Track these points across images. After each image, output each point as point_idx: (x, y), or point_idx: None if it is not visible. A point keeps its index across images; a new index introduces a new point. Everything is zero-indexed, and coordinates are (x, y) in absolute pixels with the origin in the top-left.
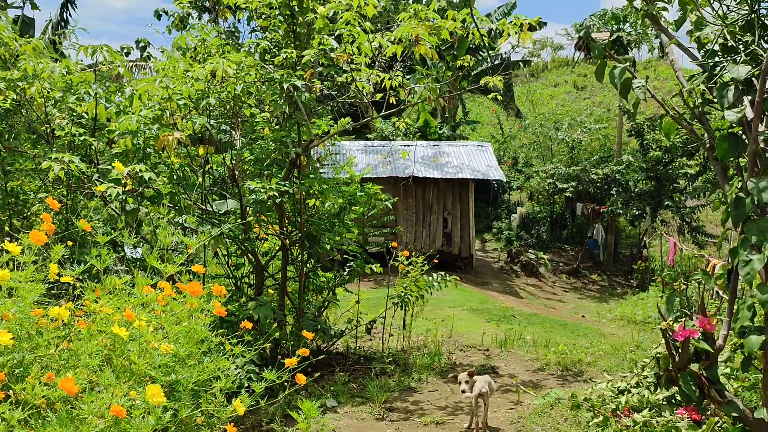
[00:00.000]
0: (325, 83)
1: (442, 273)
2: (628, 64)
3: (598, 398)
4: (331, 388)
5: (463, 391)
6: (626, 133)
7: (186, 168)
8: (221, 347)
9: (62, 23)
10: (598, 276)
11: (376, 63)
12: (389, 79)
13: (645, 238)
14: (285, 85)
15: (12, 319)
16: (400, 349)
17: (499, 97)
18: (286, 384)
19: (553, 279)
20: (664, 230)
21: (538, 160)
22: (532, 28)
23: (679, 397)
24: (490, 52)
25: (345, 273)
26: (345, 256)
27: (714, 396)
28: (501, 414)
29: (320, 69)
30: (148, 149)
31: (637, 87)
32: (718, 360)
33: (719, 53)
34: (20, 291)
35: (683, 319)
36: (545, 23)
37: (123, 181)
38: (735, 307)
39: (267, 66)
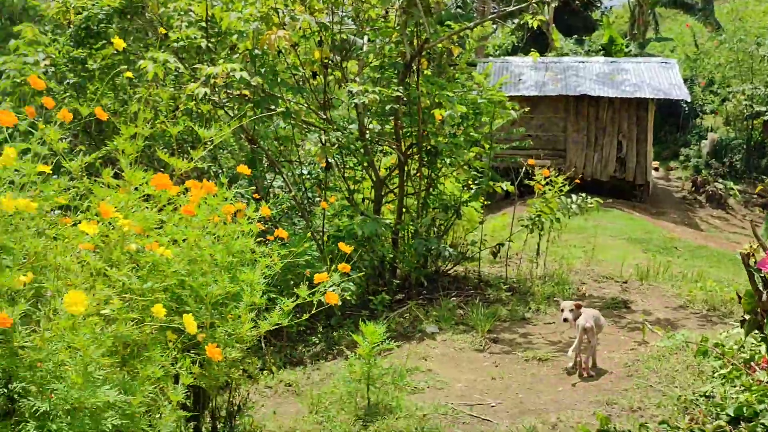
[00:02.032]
0: None
1: (609, 200)
2: None
3: (734, 344)
4: (434, 313)
5: (565, 320)
6: None
7: (297, 70)
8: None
9: None
10: None
11: None
12: None
13: None
14: None
15: None
16: (527, 277)
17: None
18: (388, 305)
19: (744, 212)
20: None
21: (736, 81)
22: None
23: None
24: None
25: (471, 191)
26: (475, 174)
27: None
28: (618, 354)
29: None
30: (256, 50)
31: None
32: None
33: None
34: None
35: None
36: None
37: (212, 81)
38: None
39: None
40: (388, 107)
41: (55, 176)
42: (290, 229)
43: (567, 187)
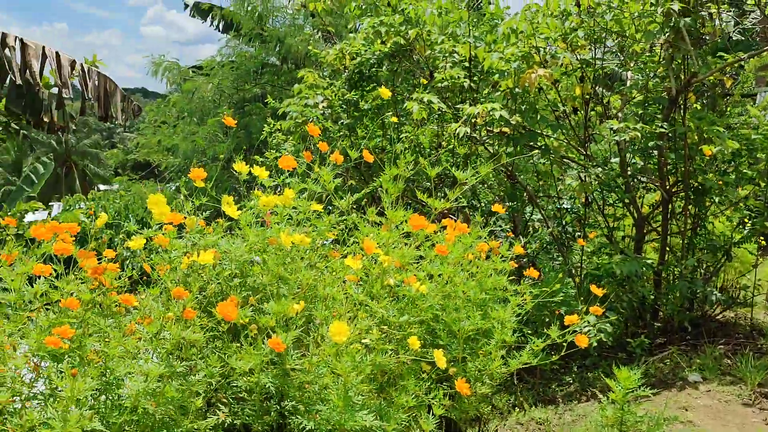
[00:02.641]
0: (725, 8)
1: None
2: None
3: None
4: (698, 361)
5: None
6: None
7: (557, 107)
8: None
9: None
10: None
11: None
12: None
13: None
14: (660, 10)
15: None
16: None
17: None
18: (647, 349)
19: None
20: None
21: None
22: None
23: None
24: None
25: (745, 232)
26: (748, 212)
27: None
28: None
29: None
30: (517, 89)
31: None
32: None
33: None
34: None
35: None
36: None
37: (473, 120)
38: None
39: None
40: (651, 143)
41: (327, 211)
42: (548, 264)
43: None
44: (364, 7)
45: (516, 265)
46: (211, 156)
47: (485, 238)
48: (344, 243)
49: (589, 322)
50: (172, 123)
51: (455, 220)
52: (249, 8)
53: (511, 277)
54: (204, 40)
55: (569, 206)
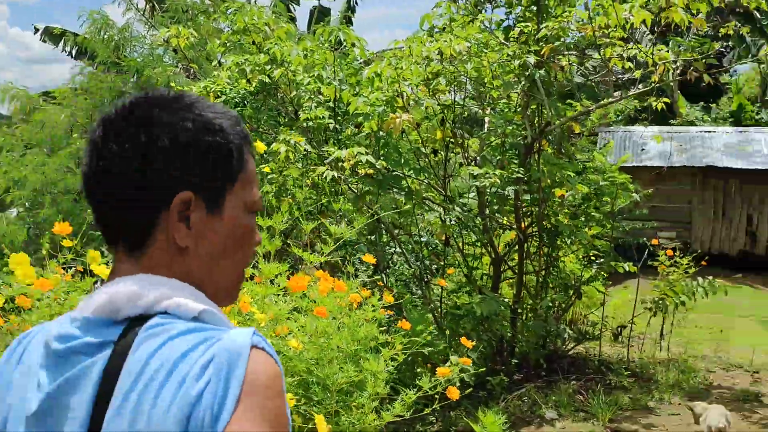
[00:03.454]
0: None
1: (739, 275)
2: None
3: None
4: (553, 398)
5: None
6: None
7: (417, 152)
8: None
9: (351, 10)
10: None
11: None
12: (651, 53)
13: None
14: (516, 62)
15: None
16: (650, 360)
17: None
18: (506, 386)
19: None
20: None
21: None
22: None
23: None
24: None
25: (593, 270)
26: (594, 252)
27: None
28: None
29: (557, 44)
30: (381, 132)
31: None
32: None
33: None
34: None
35: None
36: None
37: (341, 165)
38: None
39: (506, 43)
40: (509, 187)
41: None
42: (409, 300)
43: (693, 269)
44: (228, 44)
45: (386, 313)
46: (63, 189)
47: (357, 288)
48: None
49: (451, 361)
50: (19, 153)
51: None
52: (105, 36)
53: (381, 328)
54: (51, 59)
55: (427, 241)
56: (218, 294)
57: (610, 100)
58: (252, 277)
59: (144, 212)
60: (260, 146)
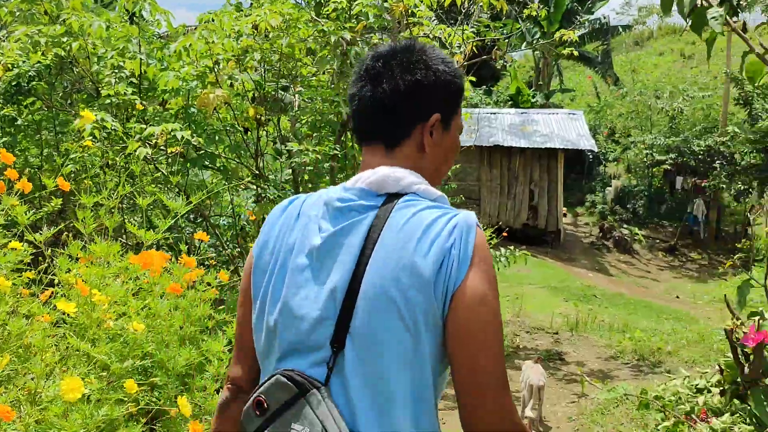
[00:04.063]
0: (385, 40)
1: (523, 247)
2: None
3: (671, 396)
4: None
5: (540, 388)
6: (733, 102)
7: (231, 129)
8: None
9: None
10: (698, 254)
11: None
12: (455, 34)
13: (751, 215)
14: (333, 38)
15: None
16: None
17: (575, 52)
18: None
19: (648, 256)
20: None
21: (637, 131)
22: None
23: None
24: (587, 17)
25: None
26: None
27: None
28: (560, 408)
29: (371, 21)
30: (192, 109)
31: (713, 17)
32: None
33: None
34: None
35: (758, 317)
36: None
37: (154, 141)
38: None
39: (319, 20)
40: (325, 164)
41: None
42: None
43: (494, 241)
44: (18, 14)
45: (217, 293)
46: None
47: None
48: (49, 284)
49: None
50: None
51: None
52: None
53: (221, 307)
54: None
55: (229, 223)
56: (433, 183)
57: None
58: (78, 259)
59: (410, 123)
60: (89, 116)
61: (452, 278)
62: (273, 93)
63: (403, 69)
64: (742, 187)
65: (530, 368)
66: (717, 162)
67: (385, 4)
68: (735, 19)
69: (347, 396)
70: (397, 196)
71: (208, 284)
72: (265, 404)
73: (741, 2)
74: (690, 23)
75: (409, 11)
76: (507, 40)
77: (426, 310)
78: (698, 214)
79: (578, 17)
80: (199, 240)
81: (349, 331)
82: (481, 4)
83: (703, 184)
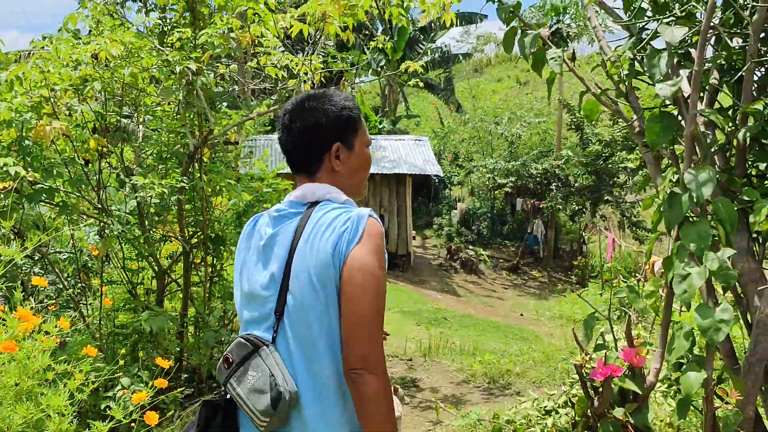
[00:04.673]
0: (249, 67)
1: None
2: (540, 31)
3: (522, 419)
4: None
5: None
6: (566, 127)
7: (69, 162)
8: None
9: None
10: (538, 272)
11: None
12: (303, 63)
13: (585, 234)
14: (179, 68)
15: None
16: None
17: (420, 84)
18: (179, 402)
19: (493, 276)
20: (604, 225)
21: (479, 155)
22: (470, 20)
23: None
24: (429, 45)
25: None
26: None
27: None
28: None
29: (218, 51)
30: (27, 141)
31: (552, 58)
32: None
33: (650, 12)
34: None
35: (604, 351)
36: (486, 15)
37: None
38: (669, 333)
39: (163, 49)
40: (173, 197)
41: None
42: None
43: None
44: None
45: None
46: None
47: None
48: None
49: (123, 385)
50: None
51: None
52: None
53: (62, 357)
54: None
55: (68, 257)
56: (351, 193)
57: (270, 108)
58: None
59: (319, 155)
60: None
61: (343, 252)
62: (115, 123)
63: (303, 118)
64: (577, 207)
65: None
66: (553, 184)
67: (232, 35)
68: (566, 47)
69: (288, 350)
70: (316, 203)
71: (47, 333)
72: (230, 359)
73: (570, 33)
74: (531, 63)
75: (256, 41)
76: (355, 71)
77: (329, 279)
78: (537, 234)
79: (421, 45)
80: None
81: (285, 303)
82: (327, 33)
83: (541, 205)
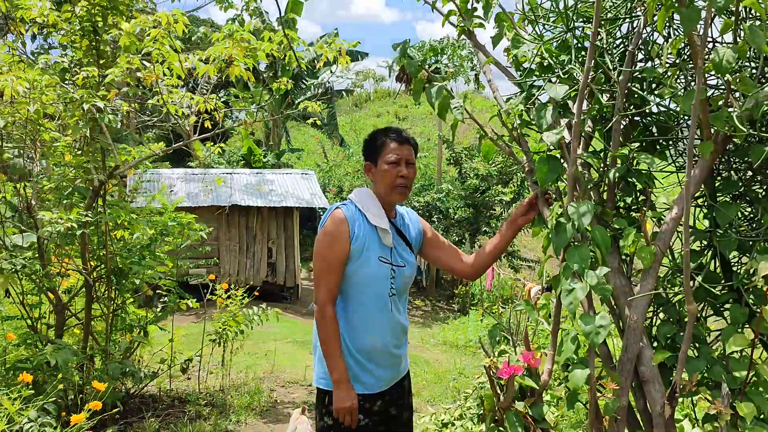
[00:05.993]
0: (134, 105)
1: (264, 305)
2: (446, 83)
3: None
4: None
5: None
6: (446, 162)
7: None
8: None
9: None
10: (422, 301)
11: (199, 87)
12: (204, 102)
13: None
14: (86, 106)
15: None
16: (219, 388)
17: (318, 122)
18: None
19: None
20: None
21: None
22: (352, 57)
23: None
24: (312, 81)
25: (158, 309)
26: (159, 291)
27: None
28: None
29: (125, 89)
30: None
31: (455, 107)
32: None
33: (537, 72)
34: None
35: (507, 354)
36: (367, 54)
37: None
38: (558, 338)
39: (67, 86)
40: (77, 231)
41: None
42: None
43: (247, 299)
44: None
45: None
46: None
47: None
48: None
49: (30, 419)
50: None
51: None
52: None
53: None
54: None
55: None
56: (384, 198)
57: (177, 144)
58: None
59: (366, 171)
60: None
61: None
62: (11, 159)
63: None
64: (457, 239)
65: (296, 420)
66: (435, 216)
67: (138, 74)
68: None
69: None
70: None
71: None
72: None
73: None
74: (437, 111)
75: (160, 80)
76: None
77: None
78: (421, 264)
79: (304, 81)
80: None
81: None
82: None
83: None
